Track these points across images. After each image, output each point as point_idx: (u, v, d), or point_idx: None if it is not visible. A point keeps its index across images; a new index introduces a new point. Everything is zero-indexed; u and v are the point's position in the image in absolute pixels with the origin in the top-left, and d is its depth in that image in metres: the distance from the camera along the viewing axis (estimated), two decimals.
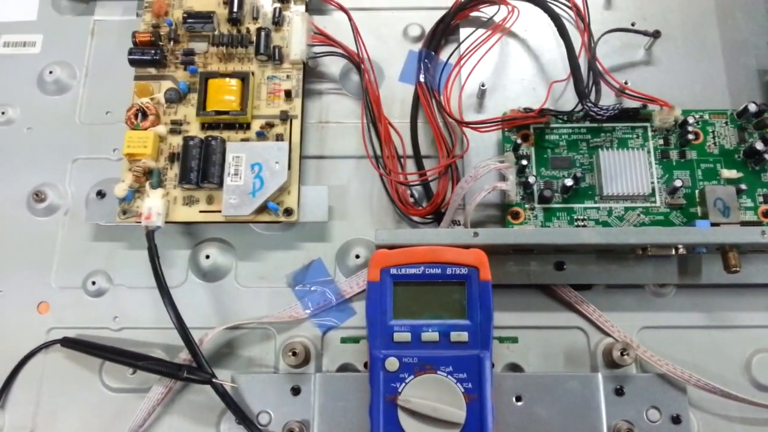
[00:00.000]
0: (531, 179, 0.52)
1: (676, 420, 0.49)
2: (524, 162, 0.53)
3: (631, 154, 0.54)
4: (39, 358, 0.54)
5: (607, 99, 0.57)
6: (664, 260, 0.53)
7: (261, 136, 0.56)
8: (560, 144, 0.55)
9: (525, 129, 0.55)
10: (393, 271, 0.47)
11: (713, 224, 0.51)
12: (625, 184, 0.53)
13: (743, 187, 0.52)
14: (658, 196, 0.53)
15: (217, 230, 0.57)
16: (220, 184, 0.53)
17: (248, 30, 0.58)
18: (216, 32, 0.58)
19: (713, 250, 0.51)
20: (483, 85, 0.57)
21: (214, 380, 0.50)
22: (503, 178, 0.53)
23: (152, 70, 0.58)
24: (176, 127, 0.56)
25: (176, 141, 0.56)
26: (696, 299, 0.54)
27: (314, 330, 0.54)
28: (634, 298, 0.54)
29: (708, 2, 0.62)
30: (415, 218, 0.56)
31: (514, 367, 0.53)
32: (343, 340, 0.54)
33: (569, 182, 0.52)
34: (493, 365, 0.46)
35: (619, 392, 0.50)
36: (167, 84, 0.57)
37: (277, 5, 0.59)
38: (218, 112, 0.55)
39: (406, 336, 0.46)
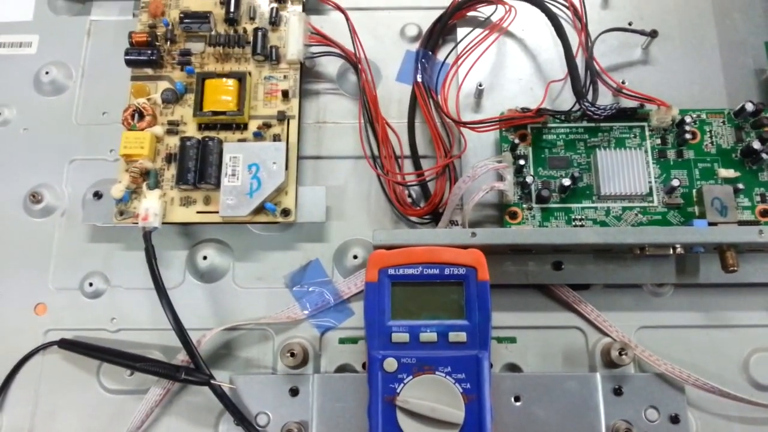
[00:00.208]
0: (528, 179, 0.52)
1: (675, 419, 0.49)
2: (522, 162, 0.53)
3: (629, 153, 0.54)
4: (36, 360, 0.54)
5: (605, 98, 0.57)
6: (662, 260, 0.53)
7: (258, 136, 0.56)
8: (558, 144, 0.55)
9: (522, 129, 0.55)
10: (391, 271, 0.47)
11: (711, 224, 0.51)
12: (622, 183, 0.53)
13: (740, 186, 0.53)
14: (655, 195, 0.53)
15: (215, 231, 0.57)
16: (218, 185, 0.53)
17: (245, 30, 0.58)
18: (213, 32, 0.58)
19: (711, 250, 0.51)
20: (480, 85, 0.57)
21: (212, 381, 0.50)
22: (501, 178, 0.53)
23: (149, 71, 0.58)
24: (173, 127, 0.56)
25: (173, 141, 0.56)
26: (694, 299, 0.54)
27: (312, 331, 0.54)
28: (632, 297, 0.54)
29: (705, 2, 0.62)
30: (413, 218, 0.56)
31: (513, 367, 0.53)
32: (342, 341, 0.54)
33: (567, 182, 0.52)
34: (491, 365, 0.46)
35: (618, 392, 0.50)
36: (164, 84, 0.57)
37: (274, 5, 0.59)
38: (215, 113, 0.55)
39: (404, 336, 0.46)
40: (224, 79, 0.56)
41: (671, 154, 0.55)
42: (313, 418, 0.50)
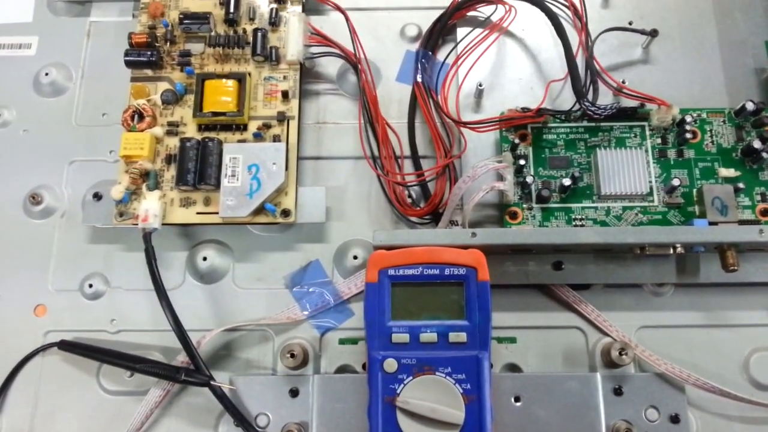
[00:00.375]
0: (529, 179, 0.52)
1: (675, 419, 0.49)
2: (522, 162, 0.53)
3: (629, 153, 0.54)
4: (36, 361, 0.54)
5: (605, 98, 0.57)
6: (662, 259, 0.53)
7: (258, 137, 0.56)
8: (558, 143, 0.55)
9: (523, 129, 0.55)
10: (391, 272, 0.47)
11: (711, 223, 0.50)
12: (622, 183, 0.53)
13: (741, 185, 0.52)
14: (656, 195, 0.53)
15: (215, 232, 0.57)
16: (217, 186, 0.53)
17: (245, 31, 0.58)
18: (212, 33, 0.58)
19: (711, 249, 0.51)
20: (480, 85, 0.57)
21: (212, 382, 0.50)
22: (501, 178, 0.53)
23: (149, 72, 0.58)
24: (173, 128, 0.56)
25: (173, 142, 0.56)
26: (694, 298, 0.54)
27: (312, 331, 0.54)
28: (632, 297, 0.54)
29: (705, 1, 0.62)
30: (413, 219, 0.56)
31: (513, 368, 0.53)
32: (342, 342, 0.54)
33: (567, 182, 0.52)
34: (491, 366, 0.46)
35: (618, 392, 0.50)
36: (164, 85, 0.57)
37: (274, 6, 0.59)
38: (215, 114, 0.55)
39: (404, 337, 0.46)
40: (224, 80, 0.56)
41: (672, 153, 0.55)
42: (313, 419, 0.50)
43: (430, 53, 0.59)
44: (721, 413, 0.51)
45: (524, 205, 0.54)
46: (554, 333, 0.53)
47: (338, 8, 0.60)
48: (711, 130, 0.55)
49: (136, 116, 0.55)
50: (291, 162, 0.55)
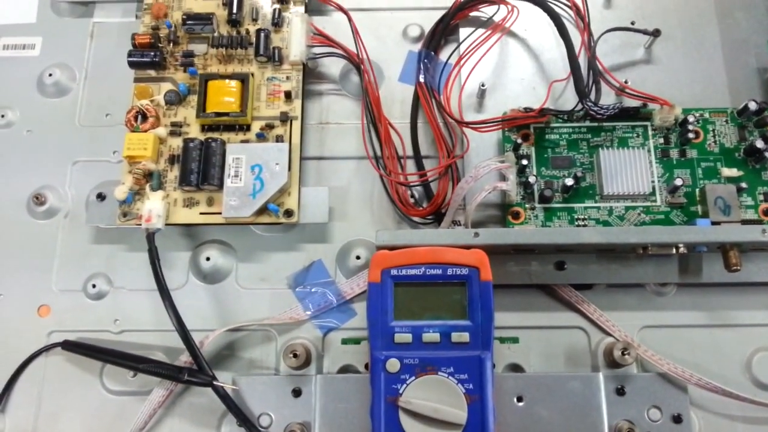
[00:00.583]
0: (531, 179, 0.52)
1: (677, 419, 0.49)
2: (524, 162, 0.53)
3: (632, 153, 0.54)
4: (40, 361, 0.54)
5: (607, 98, 0.57)
6: (665, 259, 0.53)
7: (261, 137, 0.56)
8: (560, 143, 0.55)
9: (525, 129, 0.55)
10: (394, 272, 0.47)
11: (714, 223, 0.50)
12: (625, 183, 0.53)
13: (744, 185, 0.52)
14: (658, 195, 0.53)
15: (218, 232, 0.57)
16: (221, 186, 0.53)
17: (248, 31, 0.58)
18: (215, 34, 0.58)
19: (714, 249, 0.51)
20: (483, 85, 0.57)
21: (214, 382, 0.50)
22: (503, 178, 0.53)
23: (152, 72, 0.58)
24: (176, 129, 0.56)
25: (176, 143, 0.56)
26: (697, 298, 0.54)
27: (315, 331, 0.54)
28: (634, 297, 0.54)
29: (707, 1, 0.61)
30: (416, 219, 0.56)
31: (515, 368, 0.53)
32: (344, 342, 0.54)
33: (570, 182, 0.52)
34: (494, 366, 0.46)
35: (620, 392, 0.50)
36: (167, 86, 0.57)
37: (277, 6, 0.59)
38: (218, 114, 0.55)
39: (407, 337, 0.46)
40: (227, 81, 0.56)
41: (674, 153, 0.55)
42: (315, 419, 0.50)
43: (433, 53, 0.60)
44: (723, 413, 0.51)
45: (527, 205, 0.54)
46: (557, 333, 0.53)
47: (341, 9, 0.60)
48: (713, 130, 0.55)
49: (139, 117, 0.55)
50: (294, 162, 0.55)
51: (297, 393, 0.51)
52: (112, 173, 0.58)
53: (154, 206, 0.53)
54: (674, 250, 0.48)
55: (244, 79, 0.56)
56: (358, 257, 0.55)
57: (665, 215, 0.53)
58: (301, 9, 0.59)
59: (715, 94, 0.58)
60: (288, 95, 0.57)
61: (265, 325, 0.54)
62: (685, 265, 0.53)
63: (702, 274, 0.53)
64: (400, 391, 0.45)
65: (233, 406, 0.50)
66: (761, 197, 0.53)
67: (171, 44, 0.58)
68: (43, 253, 0.57)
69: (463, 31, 0.61)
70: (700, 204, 0.53)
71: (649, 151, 0.55)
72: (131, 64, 0.57)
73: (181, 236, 0.57)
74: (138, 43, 0.58)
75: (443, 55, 0.60)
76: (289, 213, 0.54)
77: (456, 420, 0.44)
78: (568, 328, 0.53)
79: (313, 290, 0.55)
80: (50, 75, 0.62)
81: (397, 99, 0.60)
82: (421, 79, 0.58)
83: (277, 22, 0.59)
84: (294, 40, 0.58)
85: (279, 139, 0.56)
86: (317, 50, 0.60)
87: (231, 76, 0.56)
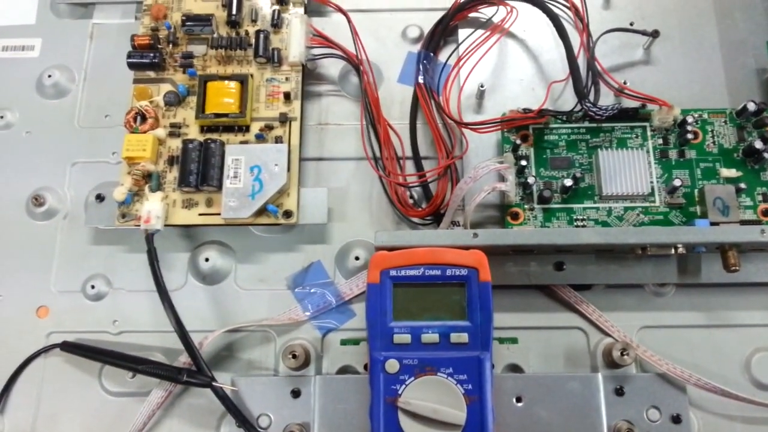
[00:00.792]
0: (530, 180, 0.52)
1: (677, 419, 0.49)
2: (523, 162, 0.53)
3: (631, 153, 0.54)
4: (38, 362, 0.54)
5: (606, 99, 0.57)
6: (664, 260, 0.53)
7: (260, 138, 0.56)
8: (559, 144, 0.55)
9: (524, 129, 0.55)
10: (393, 272, 0.47)
11: (713, 223, 0.51)
12: (624, 183, 0.53)
13: (742, 186, 0.52)
14: (657, 195, 0.53)
15: (217, 233, 0.57)
16: (220, 187, 0.53)
17: (247, 32, 0.58)
18: (215, 35, 0.58)
19: (713, 250, 0.51)
20: (482, 86, 0.57)
21: (214, 383, 0.50)
22: (502, 178, 0.53)
23: (151, 73, 0.58)
24: (175, 130, 0.56)
25: (175, 144, 0.56)
26: (695, 298, 0.54)
27: (314, 332, 0.54)
28: (633, 297, 0.54)
29: (706, 2, 0.62)
30: (415, 219, 0.56)
31: (514, 368, 0.53)
32: (343, 342, 0.54)
33: (569, 182, 0.52)
34: (493, 366, 0.46)
35: (619, 392, 0.50)
36: (166, 87, 0.57)
37: (276, 7, 0.59)
38: (217, 115, 0.55)
39: (406, 338, 0.46)
40: (226, 82, 0.56)
41: (673, 154, 0.55)
42: (314, 420, 0.50)
43: (432, 54, 0.60)
44: (722, 413, 0.51)
45: (526, 206, 0.54)
46: (556, 333, 0.53)
47: (340, 10, 0.60)
48: (712, 131, 0.55)
49: (138, 118, 0.56)
50: (293, 163, 0.55)
51: (296, 394, 0.51)
52: (111, 174, 0.58)
53: (153, 207, 0.53)
54: (673, 251, 0.48)
55: (243, 80, 0.56)
56: (357, 258, 0.55)
57: (664, 216, 0.53)
58: (301, 10, 0.59)
59: (714, 95, 0.58)
60: (287, 96, 0.57)
61: (264, 326, 0.54)
62: (684, 266, 0.53)
63: (701, 274, 0.53)
64: (400, 392, 0.45)
65: (232, 407, 0.50)
66: (760, 198, 0.53)
67: (170, 45, 0.58)
68: (42, 254, 0.57)
69: (462, 32, 0.61)
70: (698, 204, 0.53)
71: (648, 151, 0.55)
72: (130, 66, 0.57)
73: (180, 237, 0.57)
74: (137, 45, 0.58)
75: (442, 56, 0.60)
76: (288, 214, 0.54)
77: (455, 421, 0.44)
78: (567, 328, 0.53)
79: (312, 291, 0.55)
80: (49, 76, 0.62)
81: (396, 100, 0.60)
82: (420, 80, 0.58)
83: (277, 24, 0.59)
84: (293, 41, 0.58)
85: (278, 140, 0.56)
86: (316, 51, 0.60)
87: (230, 77, 0.57)
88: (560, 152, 0.55)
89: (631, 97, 0.56)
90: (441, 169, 0.55)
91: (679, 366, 0.50)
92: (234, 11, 0.58)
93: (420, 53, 0.59)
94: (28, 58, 0.63)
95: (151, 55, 0.57)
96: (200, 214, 0.54)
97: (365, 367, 0.52)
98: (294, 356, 0.51)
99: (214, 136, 0.56)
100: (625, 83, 0.58)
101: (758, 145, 0.52)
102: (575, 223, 0.53)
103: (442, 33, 0.60)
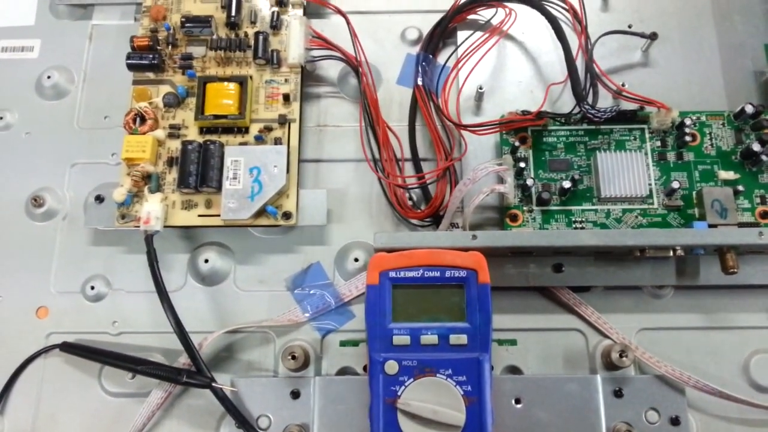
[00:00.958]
0: (529, 182, 0.53)
1: (675, 421, 0.49)
2: (522, 164, 0.53)
3: (629, 156, 0.54)
4: (38, 363, 0.54)
5: (605, 101, 0.58)
6: (662, 262, 0.53)
7: (259, 140, 0.56)
8: (558, 146, 0.55)
9: (523, 131, 0.56)
10: (392, 274, 0.47)
11: (711, 226, 0.51)
12: (622, 186, 0.53)
13: (740, 188, 0.53)
14: (655, 197, 0.54)
15: (216, 234, 0.57)
16: (219, 188, 0.54)
17: (246, 34, 0.59)
18: (214, 36, 0.58)
19: (711, 252, 0.51)
20: (481, 88, 0.58)
21: (213, 384, 0.50)
22: (501, 180, 0.53)
23: (150, 75, 0.58)
24: (175, 131, 0.56)
25: (175, 145, 0.56)
26: (694, 301, 0.54)
27: (313, 333, 0.54)
28: (632, 299, 0.54)
29: (705, 4, 0.62)
30: (414, 221, 0.56)
31: (513, 370, 0.53)
32: (343, 344, 0.54)
33: (567, 184, 0.52)
34: (492, 368, 0.46)
35: (618, 394, 0.50)
36: (165, 88, 0.57)
37: (275, 9, 0.59)
38: (217, 116, 0.55)
39: (405, 339, 0.46)
40: (225, 83, 0.56)
41: (671, 156, 0.55)
42: (314, 421, 0.50)
43: (431, 56, 0.60)
44: (721, 415, 0.51)
45: (524, 208, 0.54)
46: (554, 335, 0.53)
47: (339, 12, 0.60)
48: (710, 133, 0.55)
49: (137, 119, 0.56)
50: (292, 165, 0.55)
51: (296, 395, 0.51)
52: (110, 175, 0.58)
53: (152, 208, 0.53)
54: (671, 253, 0.49)
55: (242, 82, 0.56)
56: (356, 259, 0.55)
57: (662, 218, 0.53)
58: (300, 12, 0.59)
59: (712, 97, 0.58)
60: (286, 98, 0.57)
61: (264, 327, 0.54)
62: (682, 268, 0.53)
63: (699, 276, 0.53)
64: (399, 393, 0.45)
65: (232, 408, 0.50)
66: (758, 200, 0.53)
67: (169, 47, 0.58)
68: (42, 254, 0.57)
69: (461, 34, 0.61)
70: (697, 207, 0.53)
71: (646, 153, 0.55)
72: (130, 67, 0.57)
73: (180, 238, 0.57)
74: (137, 46, 0.58)
75: (441, 58, 0.60)
76: (287, 215, 0.54)
77: (454, 422, 0.44)
78: (566, 330, 0.54)
79: (311, 292, 0.55)
80: (49, 77, 0.62)
81: (395, 102, 0.60)
82: (419, 82, 0.58)
83: (276, 25, 0.59)
84: (292, 43, 0.58)
85: (277, 141, 0.56)
86: (315, 53, 0.60)
87: (229, 79, 0.57)
88: (559, 154, 0.55)
89: (629, 99, 0.56)
90: (440, 171, 0.55)
91: (678, 368, 0.50)
92: (233, 13, 0.58)
93: (419, 55, 0.60)
94: (27, 59, 0.63)
95: (151, 56, 0.57)
96: (199, 216, 0.54)
97: (364, 368, 0.53)
98: (293, 357, 0.51)
99: (214, 137, 0.56)
100: (623, 85, 0.58)
101: (756, 147, 0.52)
102: (574, 225, 0.53)
103: (441, 35, 0.60)
